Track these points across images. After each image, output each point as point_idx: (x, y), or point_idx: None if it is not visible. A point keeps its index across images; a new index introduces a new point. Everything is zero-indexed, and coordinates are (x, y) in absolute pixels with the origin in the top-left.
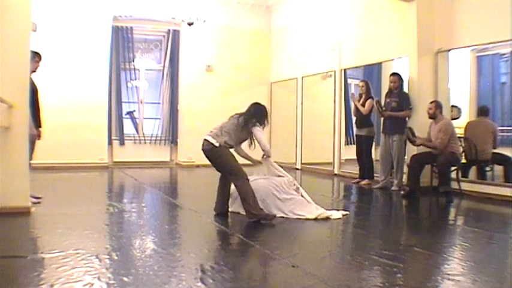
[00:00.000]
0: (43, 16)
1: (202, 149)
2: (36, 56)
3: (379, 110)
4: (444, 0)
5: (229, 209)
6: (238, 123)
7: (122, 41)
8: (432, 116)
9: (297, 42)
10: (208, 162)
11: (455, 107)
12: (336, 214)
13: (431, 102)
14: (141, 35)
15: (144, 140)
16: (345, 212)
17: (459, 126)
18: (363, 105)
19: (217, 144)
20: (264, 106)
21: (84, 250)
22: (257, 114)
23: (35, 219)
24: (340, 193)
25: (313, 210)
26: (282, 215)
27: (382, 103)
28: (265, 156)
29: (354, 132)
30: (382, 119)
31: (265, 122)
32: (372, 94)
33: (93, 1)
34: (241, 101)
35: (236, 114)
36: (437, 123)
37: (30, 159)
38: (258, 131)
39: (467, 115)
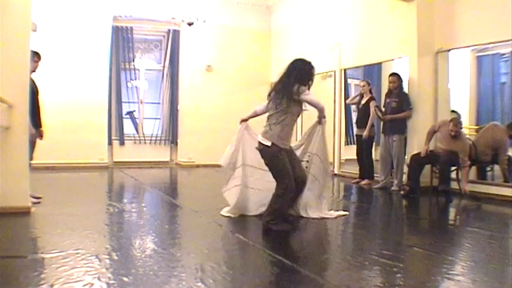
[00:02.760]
0: (43, 16)
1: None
2: (35, 56)
3: (378, 116)
4: (444, 0)
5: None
6: (281, 106)
7: (122, 41)
8: (456, 135)
9: (297, 42)
10: (208, 162)
11: (455, 112)
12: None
13: (452, 121)
14: (141, 35)
15: (144, 140)
16: (343, 213)
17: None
18: (367, 106)
19: (268, 144)
20: (303, 60)
21: (84, 250)
22: (298, 76)
23: (35, 219)
24: (340, 193)
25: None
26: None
27: (382, 103)
28: (323, 120)
29: (354, 132)
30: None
31: (311, 80)
32: (373, 95)
33: (93, 1)
34: (241, 100)
35: (275, 87)
36: (457, 140)
37: (30, 159)
38: (306, 95)
39: (467, 116)
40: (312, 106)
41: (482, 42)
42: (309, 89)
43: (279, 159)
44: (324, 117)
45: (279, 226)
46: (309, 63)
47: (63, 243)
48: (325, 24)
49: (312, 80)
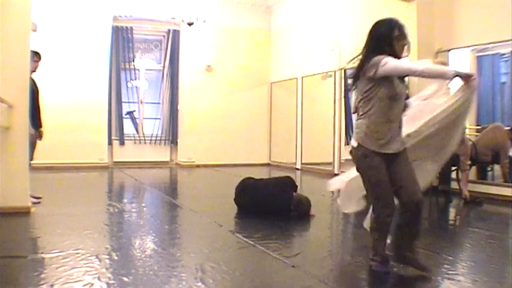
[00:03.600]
0: (43, 16)
1: None
2: (35, 56)
3: None
4: (444, 0)
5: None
6: (362, 92)
7: (122, 41)
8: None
9: (297, 42)
10: (208, 162)
11: None
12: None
13: None
14: (141, 35)
15: (144, 140)
16: None
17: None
18: None
19: (355, 144)
20: (378, 22)
21: (84, 250)
22: (371, 44)
23: (35, 219)
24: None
25: None
26: None
27: None
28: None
29: None
30: None
31: (392, 42)
32: None
33: (93, 1)
34: (241, 101)
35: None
36: (460, 144)
37: (31, 159)
38: (383, 66)
39: None
40: (408, 76)
41: (482, 42)
42: (393, 54)
43: (366, 166)
44: (470, 76)
45: (377, 266)
46: (386, 22)
47: (63, 243)
48: (325, 24)
49: (396, 40)
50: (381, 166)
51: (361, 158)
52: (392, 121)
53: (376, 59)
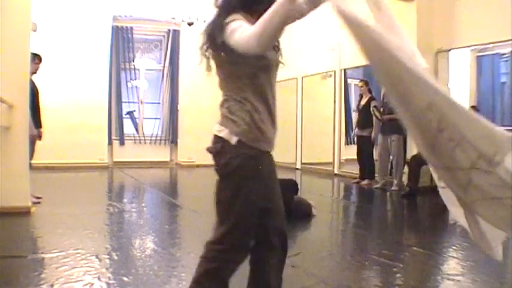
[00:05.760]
0: (43, 16)
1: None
2: (36, 58)
3: (376, 116)
4: (444, 0)
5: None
6: (224, 66)
7: (122, 41)
8: None
9: (297, 42)
10: (208, 162)
11: None
12: None
13: None
14: (141, 35)
15: (144, 140)
16: None
17: None
18: (368, 106)
19: (232, 142)
20: None
21: (84, 250)
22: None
23: (35, 219)
24: (340, 193)
25: None
26: None
27: (381, 103)
28: None
29: (355, 133)
30: None
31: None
32: (372, 94)
33: (93, 1)
34: None
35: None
36: None
37: (30, 159)
38: (230, 35)
39: None
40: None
41: (482, 42)
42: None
43: (252, 176)
44: None
45: None
46: None
47: (63, 243)
48: (325, 24)
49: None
50: (264, 180)
51: (242, 164)
52: (269, 103)
53: (225, 22)
